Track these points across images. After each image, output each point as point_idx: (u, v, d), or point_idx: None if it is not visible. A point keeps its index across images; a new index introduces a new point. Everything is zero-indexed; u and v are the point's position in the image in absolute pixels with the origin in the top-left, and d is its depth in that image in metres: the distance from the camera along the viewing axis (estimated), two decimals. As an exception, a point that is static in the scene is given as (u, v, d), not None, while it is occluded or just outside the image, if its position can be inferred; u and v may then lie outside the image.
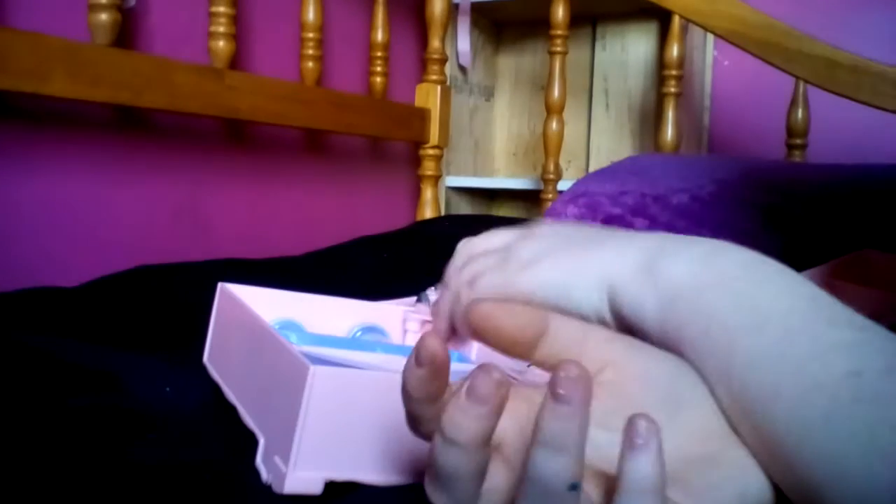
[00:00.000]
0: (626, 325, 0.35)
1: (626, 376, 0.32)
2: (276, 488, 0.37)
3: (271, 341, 0.42)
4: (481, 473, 0.29)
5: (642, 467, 0.26)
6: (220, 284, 0.54)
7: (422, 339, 0.28)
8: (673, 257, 0.34)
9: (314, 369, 0.36)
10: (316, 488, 0.36)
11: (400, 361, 0.39)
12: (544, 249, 0.39)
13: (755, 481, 0.30)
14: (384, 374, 0.37)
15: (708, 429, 0.31)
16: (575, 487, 0.26)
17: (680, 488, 0.29)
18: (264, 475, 0.38)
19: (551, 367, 0.32)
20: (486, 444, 0.28)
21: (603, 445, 0.30)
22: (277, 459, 0.37)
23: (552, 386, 0.26)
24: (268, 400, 0.42)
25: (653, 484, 0.26)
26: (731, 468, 0.30)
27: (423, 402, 0.29)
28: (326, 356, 0.41)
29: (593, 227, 0.41)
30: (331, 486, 0.37)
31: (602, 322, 0.36)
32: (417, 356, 0.28)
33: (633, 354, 0.32)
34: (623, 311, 0.35)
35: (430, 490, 0.30)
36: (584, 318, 0.36)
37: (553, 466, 0.26)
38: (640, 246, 0.36)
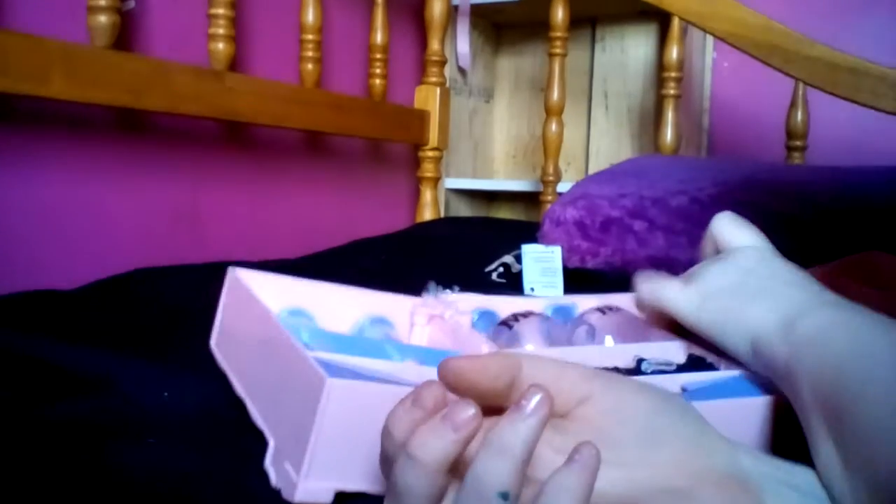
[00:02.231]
0: (765, 370, 0.42)
1: (602, 411, 0.33)
2: (286, 496, 0.37)
3: (285, 344, 0.42)
4: (438, 497, 0.29)
5: (568, 480, 0.27)
6: (230, 269, 0.54)
7: (424, 386, 0.30)
8: (806, 318, 0.40)
9: (331, 382, 0.36)
10: (326, 498, 0.37)
11: (411, 369, 0.40)
12: (719, 289, 0.47)
13: None
14: (398, 388, 0.37)
15: (683, 465, 0.32)
16: (506, 497, 0.27)
17: None
18: (273, 479, 0.38)
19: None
20: (447, 468, 0.29)
21: None
22: (288, 467, 0.37)
23: (517, 399, 0.28)
24: (279, 402, 0.41)
25: (573, 499, 0.27)
26: (701, 502, 0.31)
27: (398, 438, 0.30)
28: (340, 363, 0.41)
29: (765, 270, 0.48)
30: (339, 496, 0.37)
31: (747, 365, 0.45)
32: (418, 398, 0.30)
33: (610, 390, 0.33)
34: (762, 360, 0.42)
35: None
36: (735, 357, 0.45)
37: (490, 469, 0.27)
38: (785, 306, 0.42)
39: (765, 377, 0.45)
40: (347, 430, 0.36)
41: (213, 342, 0.54)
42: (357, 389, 0.37)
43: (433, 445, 0.28)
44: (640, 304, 0.56)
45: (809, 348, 0.38)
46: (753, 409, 0.43)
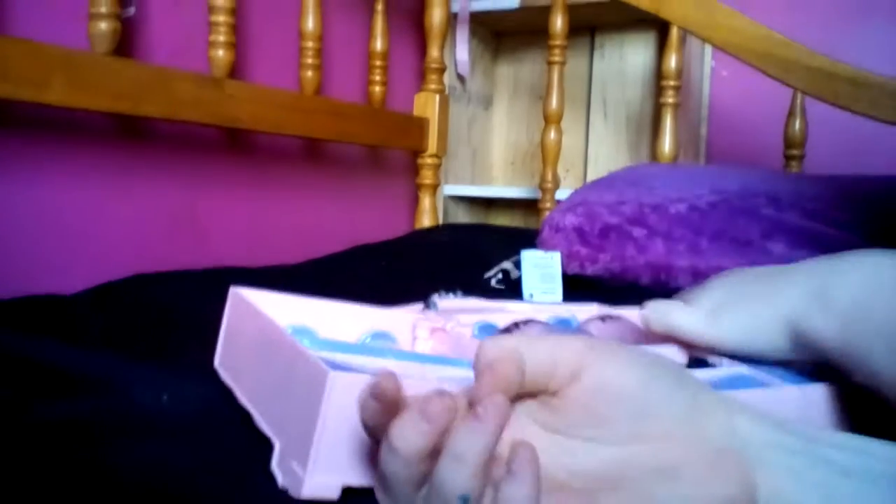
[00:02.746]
0: (813, 354, 0.42)
1: (592, 389, 0.33)
2: (293, 493, 0.37)
3: (287, 346, 0.42)
4: (421, 481, 0.31)
5: (515, 493, 0.29)
6: (231, 289, 0.54)
7: (379, 380, 0.32)
8: (839, 286, 0.40)
9: (333, 374, 0.36)
10: (333, 493, 0.37)
11: (414, 368, 0.40)
12: (723, 302, 0.47)
13: (702, 493, 0.32)
14: (402, 381, 0.38)
15: (675, 438, 0.33)
16: (466, 500, 0.29)
17: (635, 496, 0.31)
18: (280, 480, 0.38)
19: (536, 391, 0.34)
20: (427, 456, 0.30)
21: (564, 453, 0.33)
22: (295, 465, 0.37)
23: (474, 407, 0.30)
24: (283, 404, 0.42)
25: None
26: (689, 481, 0.32)
27: (376, 426, 0.32)
28: (342, 362, 0.41)
29: (756, 270, 0.48)
30: (346, 493, 0.37)
31: (786, 360, 0.44)
32: (373, 391, 0.32)
33: (602, 364, 0.33)
34: (810, 345, 0.42)
35: (377, 491, 0.33)
36: (767, 358, 0.45)
37: (449, 474, 0.30)
38: (805, 279, 0.42)
39: (773, 371, 0.45)
40: (352, 424, 0.36)
41: (217, 362, 0.54)
42: (360, 382, 0.37)
43: (412, 439, 0.30)
44: (651, 334, 0.55)
45: (861, 312, 0.39)
46: (757, 403, 0.43)
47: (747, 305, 0.46)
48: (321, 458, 0.36)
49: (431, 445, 0.30)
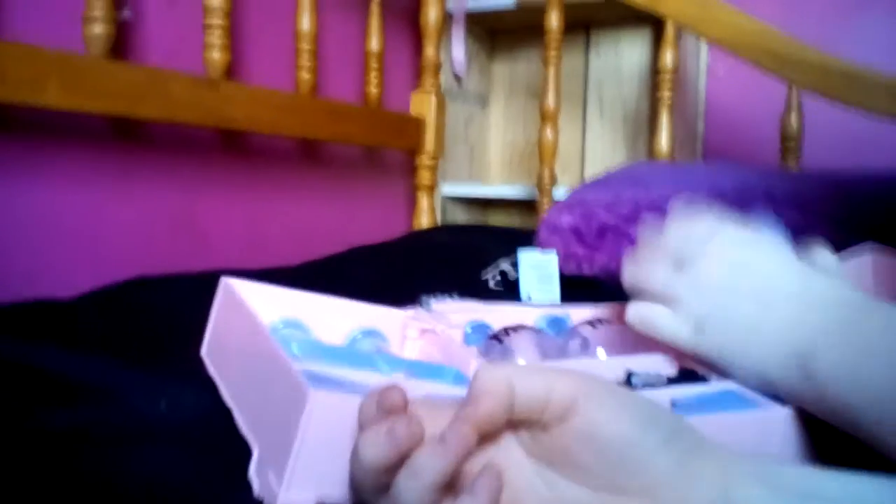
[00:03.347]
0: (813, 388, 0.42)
1: (581, 432, 0.33)
2: (267, 502, 0.37)
3: (271, 352, 0.42)
4: (384, 489, 0.33)
5: None
6: (222, 279, 0.54)
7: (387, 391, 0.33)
8: (821, 357, 0.41)
9: (314, 394, 0.36)
10: None
11: (399, 382, 0.40)
12: (711, 315, 0.47)
13: None
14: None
15: (655, 496, 0.32)
16: None
17: None
18: (256, 488, 0.38)
19: (528, 422, 0.34)
20: (392, 468, 0.32)
21: (543, 483, 0.34)
22: (271, 476, 0.37)
23: (444, 431, 0.32)
24: (265, 411, 0.42)
25: None
26: None
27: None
28: (326, 375, 0.41)
29: (750, 283, 0.47)
30: None
31: (775, 386, 0.44)
32: (380, 401, 0.33)
33: (593, 410, 0.33)
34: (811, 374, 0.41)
35: (351, 484, 0.34)
36: (752, 381, 0.45)
37: (406, 488, 0.31)
38: (794, 343, 0.42)
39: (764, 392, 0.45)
40: (330, 441, 0.36)
41: (203, 351, 0.54)
42: (340, 402, 0.37)
43: (372, 451, 0.32)
44: (641, 339, 0.54)
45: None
46: (744, 423, 0.43)
47: (736, 339, 0.46)
48: (297, 475, 0.36)
49: (392, 462, 0.32)
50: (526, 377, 0.33)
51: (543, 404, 0.33)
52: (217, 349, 0.53)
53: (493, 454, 0.34)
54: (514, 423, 0.34)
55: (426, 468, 0.31)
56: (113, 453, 0.43)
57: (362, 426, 0.34)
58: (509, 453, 0.34)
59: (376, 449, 0.32)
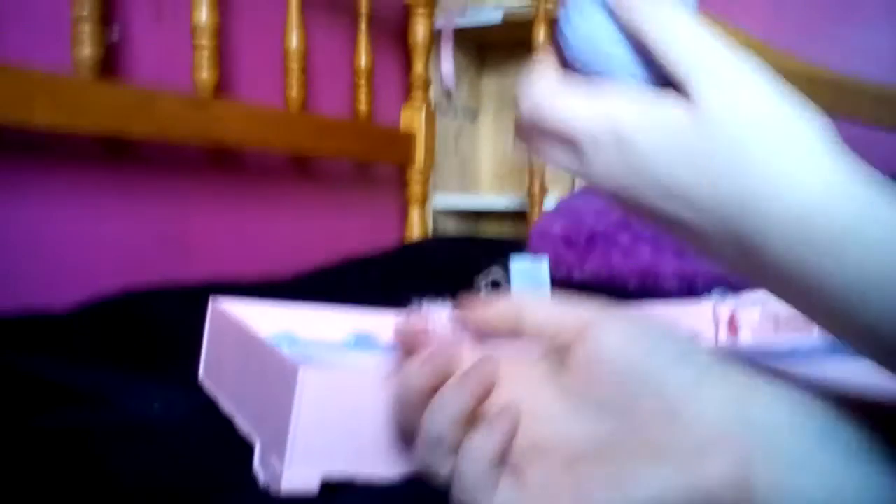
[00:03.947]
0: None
1: (594, 352, 0.34)
2: (273, 487, 0.37)
3: (261, 347, 0.43)
4: (459, 442, 0.34)
5: (481, 442, 0.33)
6: (211, 301, 0.55)
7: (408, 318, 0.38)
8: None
9: (304, 369, 0.37)
10: (312, 484, 0.37)
11: (386, 358, 0.41)
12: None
13: (684, 478, 0.30)
14: (373, 373, 0.39)
15: (666, 415, 0.31)
16: (441, 441, 0.34)
17: (615, 472, 0.31)
18: (262, 478, 0.39)
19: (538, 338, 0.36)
20: (467, 419, 0.34)
21: (562, 417, 0.34)
22: (274, 460, 0.38)
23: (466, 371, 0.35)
24: (262, 405, 0.43)
25: (483, 456, 0.33)
26: (672, 466, 0.30)
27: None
28: (316, 359, 0.42)
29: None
30: (326, 489, 0.37)
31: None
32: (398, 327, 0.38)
33: (606, 329, 0.34)
34: None
35: (418, 453, 0.35)
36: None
37: (431, 419, 0.34)
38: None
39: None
40: (326, 416, 0.37)
41: (201, 375, 0.55)
42: (331, 378, 0.38)
43: (455, 402, 0.34)
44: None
45: None
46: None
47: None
48: (297, 451, 0.37)
49: (430, 387, 0.35)
50: (535, 301, 0.37)
51: (555, 327, 0.35)
52: (213, 370, 0.54)
53: (517, 391, 0.35)
54: (549, 351, 0.36)
55: (449, 403, 0.34)
56: (109, 450, 0.44)
57: (405, 350, 0.37)
58: (532, 390, 0.35)
59: (418, 376, 0.35)
